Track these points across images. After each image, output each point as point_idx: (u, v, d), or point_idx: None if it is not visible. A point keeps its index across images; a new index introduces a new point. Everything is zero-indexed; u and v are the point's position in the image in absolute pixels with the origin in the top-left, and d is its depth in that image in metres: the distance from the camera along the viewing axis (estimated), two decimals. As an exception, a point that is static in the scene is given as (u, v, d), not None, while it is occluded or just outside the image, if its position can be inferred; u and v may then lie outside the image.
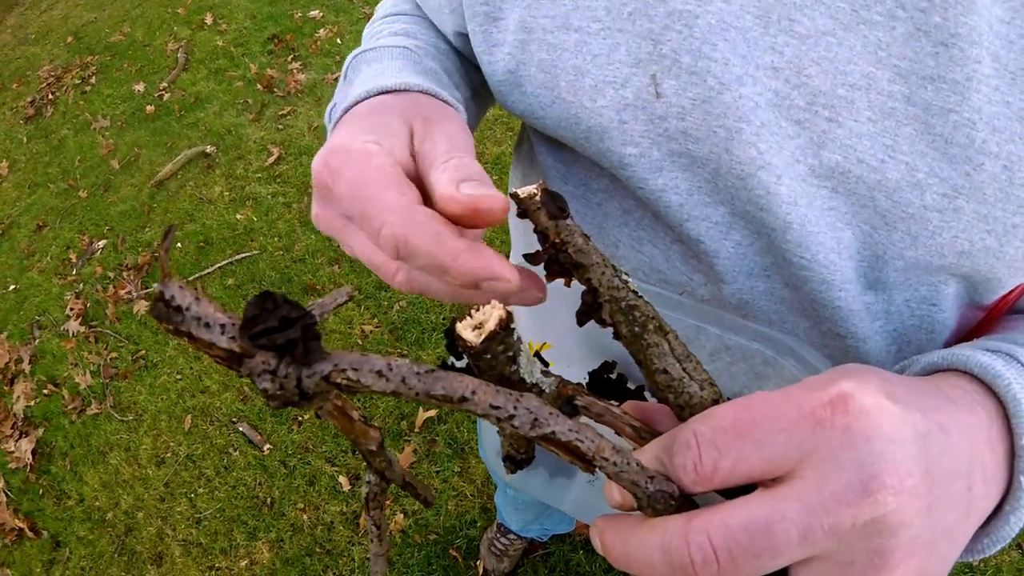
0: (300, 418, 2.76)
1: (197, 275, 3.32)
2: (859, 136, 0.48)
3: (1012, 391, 0.40)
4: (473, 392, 0.32)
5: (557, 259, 0.38)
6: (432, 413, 2.68)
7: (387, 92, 0.53)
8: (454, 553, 2.40)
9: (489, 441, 1.39)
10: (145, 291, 3.33)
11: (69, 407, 3.02)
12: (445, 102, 0.55)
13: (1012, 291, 0.56)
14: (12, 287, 3.60)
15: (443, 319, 2.93)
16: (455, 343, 0.35)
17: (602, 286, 0.38)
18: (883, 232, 0.51)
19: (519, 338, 0.36)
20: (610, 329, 0.40)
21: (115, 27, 5.08)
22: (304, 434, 2.73)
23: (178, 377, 3.01)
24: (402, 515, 2.49)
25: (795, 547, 0.32)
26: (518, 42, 0.58)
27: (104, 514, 2.73)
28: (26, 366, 3.23)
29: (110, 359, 3.14)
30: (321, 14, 4.75)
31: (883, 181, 0.48)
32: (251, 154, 3.85)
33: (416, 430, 2.66)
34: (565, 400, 0.39)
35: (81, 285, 3.46)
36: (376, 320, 2.99)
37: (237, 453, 2.74)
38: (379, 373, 0.31)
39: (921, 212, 0.48)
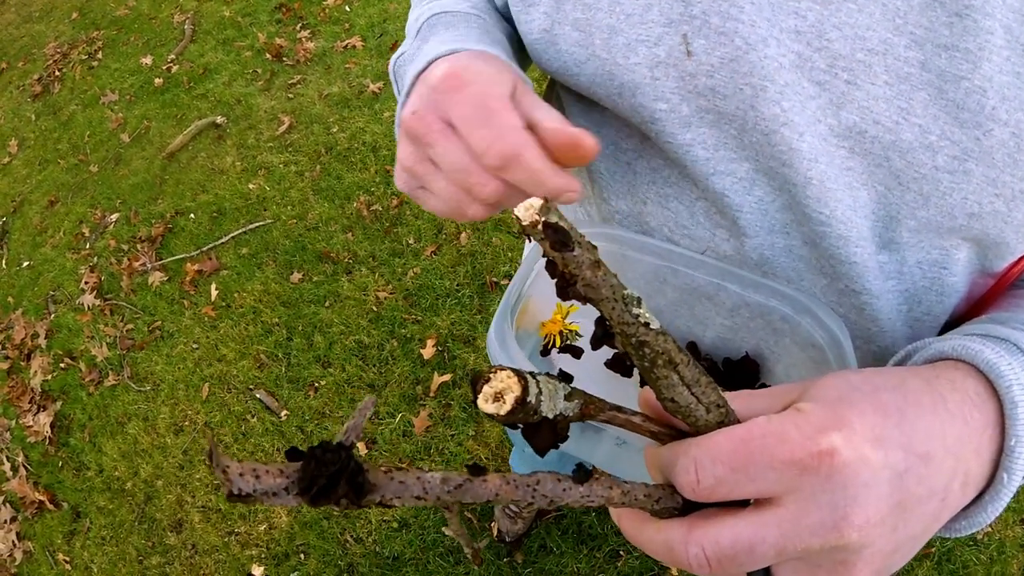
0: (317, 384, 2.79)
1: (211, 245, 3.34)
2: (876, 99, 0.51)
3: (1012, 394, 0.43)
4: (496, 494, 0.36)
5: (566, 288, 0.39)
6: (447, 378, 2.69)
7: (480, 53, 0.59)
8: (468, 515, 2.42)
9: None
10: (160, 262, 3.35)
11: (87, 379, 3.06)
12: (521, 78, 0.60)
13: (1021, 259, 0.59)
14: (26, 263, 3.64)
15: (456, 285, 2.94)
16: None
17: (612, 320, 0.39)
18: (897, 192, 0.54)
19: (539, 392, 0.39)
20: None
21: (120, 1, 5.08)
22: (321, 400, 2.75)
23: (195, 346, 3.04)
24: (420, 477, 2.51)
25: (771, 560, 0.38)
26: (553, 1, 0.62)
27: (123, 484, 2.77)
28: (42, 341, 3.26)
29: (126, 331, 3.17)
30: (329, -19, 4.74)
31: (897, 142, 0.51)
32: (262, 124, 3.86)
33: (431, 395, 2.67)
34: (576, 470, 0.40)
35: (95, 259, 3.49)
36: (391, 287, 3.00)
37: (255, 420, 2.77)
38: (417, 497, 0.35)
39: (933, 173, 0.51)
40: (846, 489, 0.37)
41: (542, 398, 0.40)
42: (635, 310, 0.38)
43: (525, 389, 0.38)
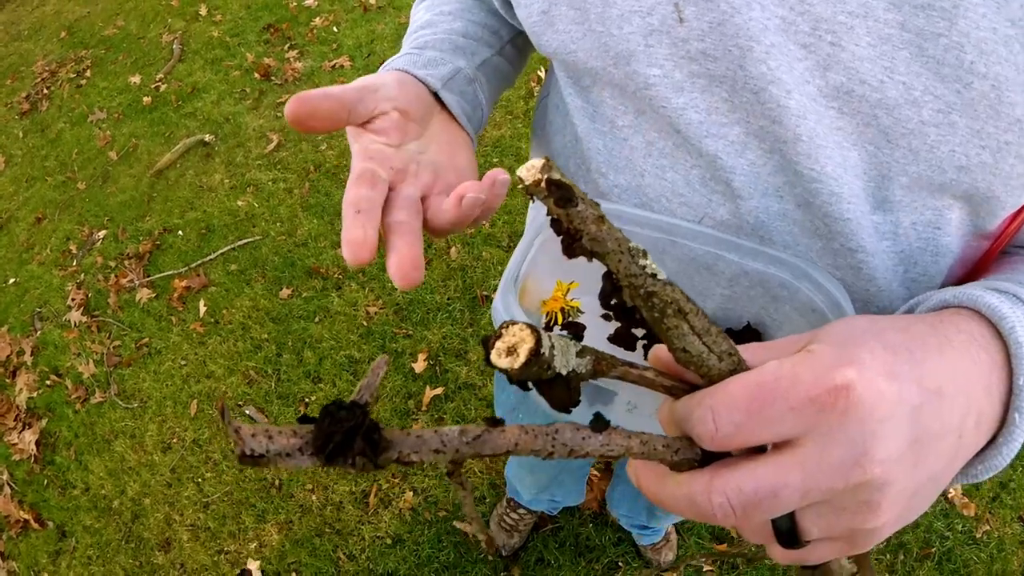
0: (307, 400, 2.71)
1: (199, 262, 3.26)
2: (860, 59, 0.52)
3: (1016, 334, 0.44)
4: (516, 444, 0.36)
5: (572, 245, 0.38)
6: (439, 391, 2.63)
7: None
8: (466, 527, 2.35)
9: (504, 400, 1.34)
10: (147, 279, 3.27)
11: (73, 396, 2.97)
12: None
13: (1011, 222, 0.60)
14: (12, 280, 3.54)
15: (447, 299, 2.88)
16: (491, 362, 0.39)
17: (619, 273, 0.38)
18: (887, 150, 0.55)
19: (551, 346, 0.38)
20: None
21: (108, 21, 5.02)
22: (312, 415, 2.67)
23: (183, 363, 2.95)
24: (411, 493, 2.45)
25: (796, 503, 0.38)
26: None
27: (110, 502, 2.68)
28: (28, 358, 3.17)
29: (113, 347, 3.08)
30: (316, 3, 4.70)
31: (884, 99, 0.52)
32: (250, 142, 3.80)
33: (423, 409, 2.61)
34: (594, 418, 0.40)
35: (82, 275, 3.39)
36: (380, 301, 2.93)
37: (244, 436, 2.68)
38: (436, 450, 0.34)
39: (919, 127, 0.52)
40: (863, 424, 0.36)
41: (555, 352, 0.39)
42: (641, 261, 0.38)
43: (538, 341, 0.37)
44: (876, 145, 0.55)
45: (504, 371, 0.38)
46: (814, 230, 0.62)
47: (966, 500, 2.31)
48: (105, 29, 4.95)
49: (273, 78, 4.16)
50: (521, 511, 2.23)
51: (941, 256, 0.62)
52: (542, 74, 3.76)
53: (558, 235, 0.38)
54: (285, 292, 3.06)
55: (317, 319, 2.95)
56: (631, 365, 0.44)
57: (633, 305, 0.40)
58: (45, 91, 4.61)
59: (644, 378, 0.44)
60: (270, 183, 3.54)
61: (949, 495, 2.32)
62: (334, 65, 4.14)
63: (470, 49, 0.78)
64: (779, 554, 0.43)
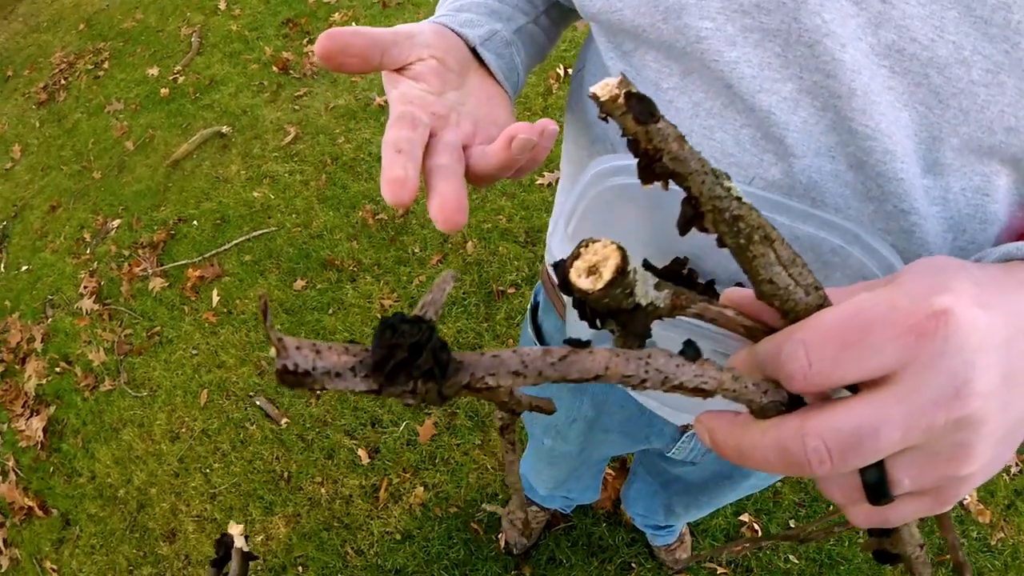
0: (318, 392, 2.62)
1: (213, 252, 3.20)
2: (911, 17, 0.51)
3: None
4: (606, 368, 0.32)
5: (652, 166, 0.35)
6: (454, 385, 2.54)
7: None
8: (475, 527, 2.29)
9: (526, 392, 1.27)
10: (161, 268, 3.20)
11: (82, 384, 2.90)
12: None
13: None
14: (25, 268, 3.49)
15: (462, 293, 2.81)
16: (569, 287, 0.35)
17: (703, 195, 0.35)
18: (937, 111, 0.53)
19: (635, 269, 0.36)
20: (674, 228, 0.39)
21: (127, 14, 4.98)
22: (323, 407, 2.60)
23: (194, 352, 2.88)
24: (422, 488, 2.37)
25: (896, 444, 0.35)
26: None
27: (116, 491, 2.61)
28: (38, 345, 3.11)
29: (124, 336, 3.01)
30: (336, -1, 4.65)
31: (934, 58, 0.51)
32: (267, 134, 3.73)
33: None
34: (686, 344, 0.37)
35: (95, 264, 3.33)
36: (396, 295, 2.86)
37: (254, 427, 2.61)
38: (516, 373, 0.31)
39: (969, 87, 0.51)
40: (962, 353, 0.34)
41: (637, 277, 0.36)
42: (726, 183, 0.35)
43: (624, 258, 0.34)
44: (927, 105, 0.54)
45: (584, 294, 0.34)
46: (866, 192, 0.60)
47: (981, 507, 2.26)
48: (124, 22, 4.91)
49: (291, 71, 4.10)
50: (534, 508, 2.17)
51: (989, 224, 0.61)
52: (560, 71, 3.70)
53: (635, 156, 0.35)
54: (299, 283, 2.99)
55: (331, 311, 2.88)
56: (709, 302, 0.40)
57: (716, 231, 0.36)
58: (63, 82, 4.56)
59: (723, 316, 0.41)
60: (286, 175, 3.48)
61: (965, 501, 2.26)
62: (353, 60, 4.07)
63: (506, 14, 0.75)
64: (861, 515, 0.40)
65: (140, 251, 3.31)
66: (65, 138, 4.14)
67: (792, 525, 2.25)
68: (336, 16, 4.44)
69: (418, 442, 2.47)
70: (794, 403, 0.38)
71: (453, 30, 0.66)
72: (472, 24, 0.69)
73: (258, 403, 2.66)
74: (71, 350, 3.05)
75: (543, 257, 1.40)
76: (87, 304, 3.16)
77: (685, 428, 1.04)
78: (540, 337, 1.15)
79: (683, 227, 0.38)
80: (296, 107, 3.86)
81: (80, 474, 2.68)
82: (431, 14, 0.75)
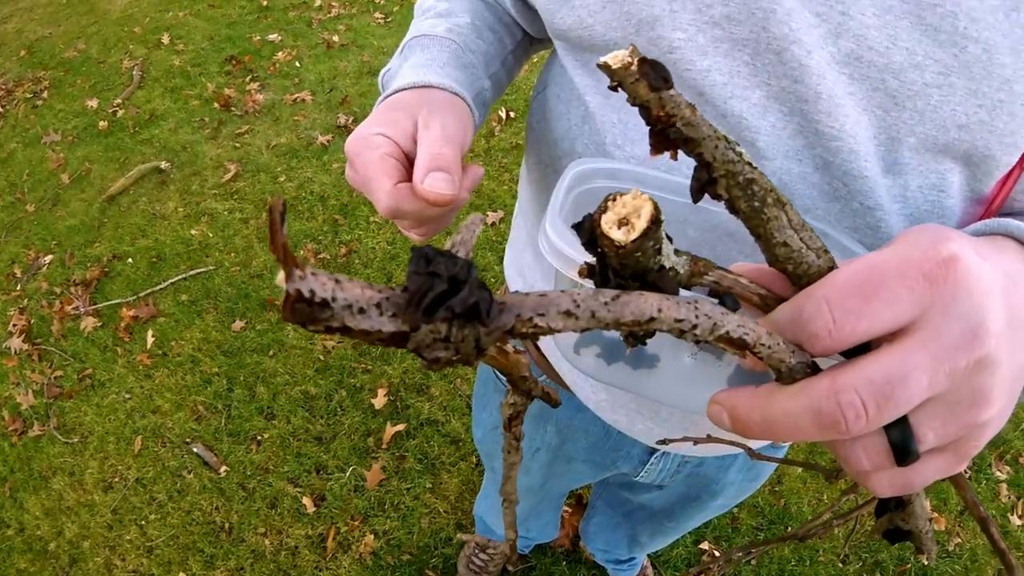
0: (259, 437, 2.46)
1: (149, 291, 3.00)
2: (867, 28, 0.54)
3: None
4: (659, 310, 0.30)
5: (664, 133, 0.33)
6: (401, 428, 2.41)
7: (427, 87, 0.64)
8: (430, 573, 2.15)
9: (485, 419, 1.19)
10: (93, 307, 2.99)
11: (9, 429, 2.65)
12: (461, 97, 0.66)
13: (1002, 186, 0.61)
14: (-49, 303, 3.23)
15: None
16: (596, 241, 0.32)
17: (716, 160, 0.34)
18: (894, 113, 0.56)
19: (663, 224, 0.33)
20: None
21: (69, 43, 4.72)
22: (264, 454, 2.42)
23: (127, 396, 2.68)
24: (372, 536, 2.21)
25: (924, 391, 0.34)
26: None
27: (46, 544, 2.37)
28: (-37, 385, 2.86)
29: (54, 378, 2.78)
30: (280, 37, 4.51)
31: (889, 64, 0.54)
32: (207, 170, 3.55)
33: (384, 447, 2.38)
34: (724, 295, 0.38)
35: (25, 301, 3.08)
36: (337, 335, 2.72)
37: (191, 476, 2.42)
38: (568, 313, 0.28)
39: (923, 89, 0.54)
40: (972, 297, 0.34)
41: (664, 233, 0.34)
42: (738, 148, 0.34)
43: (658, 208, 0.31)
44: (884, 108, 0.56)
45: (615, 247, 0.32)
46: (832, 192, 0.62)
47: (935, 515, 2.30)
48: (66, 51, 4.65)
49: (233, 109, 3.93)
50: (490, 551, 2.07)
51: (946, 219, 0.63)
52: (503, 114, 3.63)
53: (648, 124, 0.33)
54: (238, 324, 2.82)
55: (271, 353, 2.71)
56: (726, 270, 0.40)
57: (729, 197, 0.35)
58: (0, 110, 4.31)
59: (739, 284, 0.40)
60: (226, 213, 3.30)
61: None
62: (295, 99, 3.93)
63: (486, 57, 0.77)
64: (885, 481, 0.39)
65: (72, 288, 3.08)
66: (-1, 168, 3.89)
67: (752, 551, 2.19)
68: (280, 55, 4.30)
69: (366, 488, 2.31)
70: (815, 369, 0.37)
71: (465, 99, 0.67)
72: (472, 76, 0.71)
73: (195, 450, 2.46)
74: (-2, 392, 2.81)
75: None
76: (16, 343, 2.92)
77: (655, 449, 1.01)
78: None
79: (696, 194, 0.37)
80: (237, 144, 3.69)
81: (8, 525, 2.43)
82: (375, 56, 0.76)
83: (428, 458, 2.36)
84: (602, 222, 0.32)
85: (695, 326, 0.31)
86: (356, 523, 2.26)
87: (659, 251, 0.33)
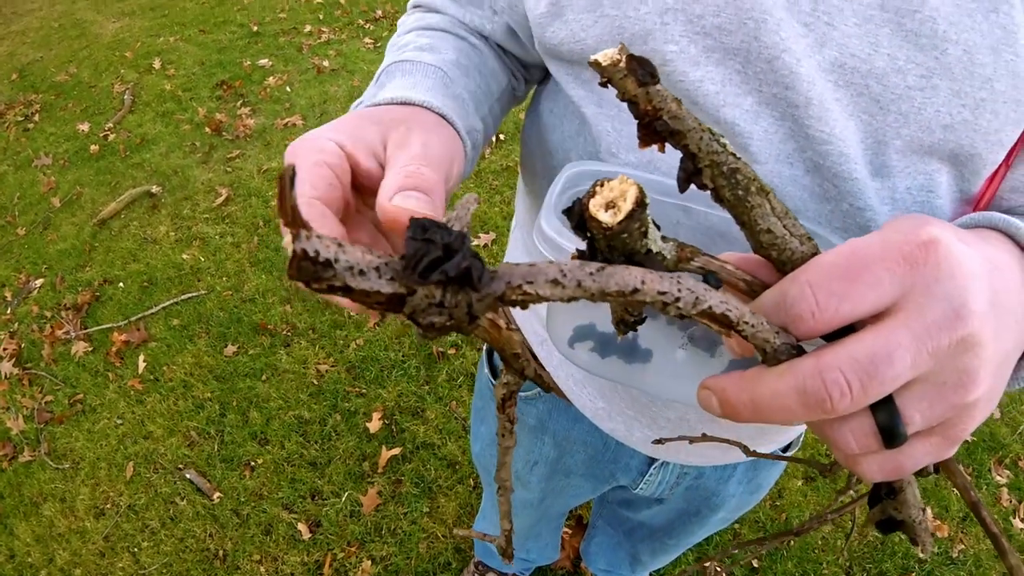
0: (253, 463, 2.43)
1: (140, 315, 2.97)
2: (849, 36, 0.55)
3: None
4: (642, 282, 0.31)
5: (652, 126, 0.35)
6: (396, 451, 2.39)
7: (409, 104, 0.58)
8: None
9: (484, 432, 1.18)
10: (84, 331, 2.96)
11: (0, 454, 2.63)
12: (451, 123, 0.59)
13: (988, 185, 0.62)
14: (-61, 327, 3.18)
15: (402, 356, 2.67)
16: (585, 224, 0.33)
17: (701, 151, 0.36)
18: (880, 117, 0.57)
19: (649, 204, 0.34)
20: None
21: (61, 67, 4.72)
22: (258, 480, 2.39)
23: (119, 422, 2.64)
24: (369, 562, 2.18)
25: (908, 370, 0.35)
26: None
27: (37, 571, 2.32)
28: (-48, 410, 2.82)
29: (45, 402, 2.75)
30: (270, 63, 4.52)
31: (873, 70, 0.55)
32: (198, 195, 3.54)
33: (380, 471, 2.36)
34: (707, 274, 0.39)
35: (16, 325, 3.05)
36: (332, 359, 2.70)
37: (184, 502, 2.38)
38: (555, 282, 0.30)
39: (906, 92, 0.56)
40: (954, 278, 0.35)
41: (651, 218, 0.34)
42: (722, 140, 0.36)
43: (642, 191, 0.32)
44: (870, 113, 0.57)
45: (603, 229, 0.32)
46: (823, 194, 0.62)
47: (938, 522, 2.30)
48: (57, 75, 4.64)
49: (224, 133, 3.93)
50: (490, 575, 2.05)
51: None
52: (492, 138, 3.63)
53: (635, 118, 0.35)
54: (230, 349, 2.79)
55: (264, 377, 2.69)
56: (712, 256, 0.41)
57: (714, 187, 0.37)
58: (-10, 134, 4.28)
59: (725, 270, 0.41)
60: (217, 237, 3.28)
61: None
62: (286, 123, 3.93)
63: (475, 101, 0.72)
64: (875, 466, 0.39)
65: (63, 313, 3.05)
66: (-11, 192, 3.85)
67: (755, 565, 2.22)
68: (271, 80, 4.31)
69: (362, 513, 2.28)
70: (799, 352, 0.37)
71: (459, 131, 0.61)
72: (461, 115, 0.65)
73: (188, 476, 2.43)
74: (-12, 417, 2.77)
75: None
76: (6, 367, 2.88)
77: (653, 460, 1.00)
78: (496, 378, 1.10)
79: (683, 183, 0.38)
80: (228, 169, 3.68)
81: (-4, 552, 2.41)
82: (365, 81, 0.75)
83: (425, 482, 2.34)
84: (590, 205, 0.33)
85: (678, 299, 0.32)
86: (353, 549, 2.23)
87: (645, 234, 0.34)
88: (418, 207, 0.42)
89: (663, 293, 0.32)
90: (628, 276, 0.31)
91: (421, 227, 0.27)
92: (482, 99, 0.73)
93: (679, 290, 0.32)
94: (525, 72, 0.82)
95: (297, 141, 0.47)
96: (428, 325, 0.28)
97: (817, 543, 2.23)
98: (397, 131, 0.50)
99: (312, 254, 0.24)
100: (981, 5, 0.53)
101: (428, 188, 0.44)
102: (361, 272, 0.25)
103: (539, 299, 0.29)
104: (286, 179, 0.24)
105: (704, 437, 0.73)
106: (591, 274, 0.30)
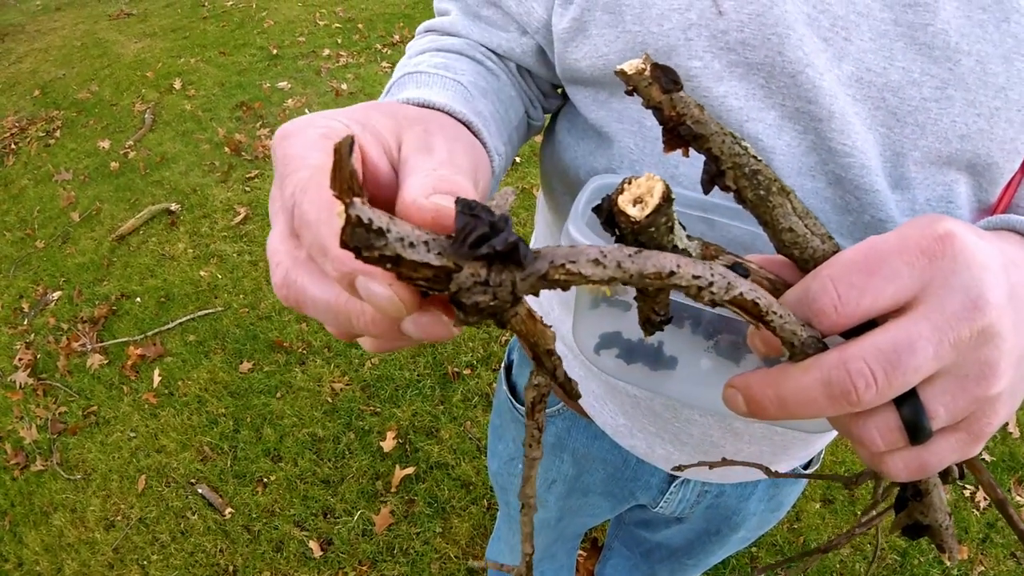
0: (266, 480, 2.42)
1: (156, 330, 2.98)
2: (865, 51, 0.56)
3: None
4: (678, 266, 0.32)
5: (676, 131, 0.36)
6: (410, 471, 2.38)
7: (428, 107, 0.54)
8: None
9: (501, 450, 1.17)
10: (100, 344, 2.96)
11: (11, 462, 2.61)
12: (475, 132, 0.56)
13: (1005, 192, 0.62)
14: (-44, 336, 3.18)
15: (416, 376, 2.66)
16: (614, 220, 0.34)
17: (724, 154, 0.37)
18: (897, 129, 0.58)
19: (675, 200, 0.35)
20: None
21: (83, 84, 4.77)
22: (270, 496, 2.38)
23: (132, 435, 2.64)
24: (379, 582, 2.16)
25: (931, 361, 0.35)
26: None
27: (44, 581, 2.31)
28: (-35, 419, 2.81)
29: (59, 413, 2.74)
30: (289, 85, 4.56)
31: (888, 83, 0.56)
32: (217, 213, 3.56)
33: (393, 490, 2.34)
34: (735, 265, 0.39)
35: (32, 335, 3.06)
36: (347, 378, 2.69)
37: (196, 517, 2.37)
38: (595, 261, 0.30)
39: (923, 104, 0.56)
40: (971, 269, 0.36)
41: (676, 218, 0.35)
42: (743, 143, 0.36)
43: (668, 187, 0.33)
44: (887, 126, 0.58)
45: (631, 223, 0.33)
46: (845, 206, 0.63)
47: (957, 544, 2.19)
48: (79, 92, 4.69)
49: (243, 153, 3.95)
50: None
51: None
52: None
53: (660, 124, 0.36)
54: (246, 366, 2.79)
55: (279, 394, 2.68)
56: (736, 255, 0.42)
57: (736, 188, 0.38)
58: (12, 147, 4.29)
59: (749, 268, 0.42)
60: (235, 255, 3.30)
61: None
62: (305, 145, 3.96)
63: (496, 124, 0.68)
64: (900, 463, 0.39)
65: (80, 325, 3.06)
66: (10, 204, 3.85)
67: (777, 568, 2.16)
68: (289, 102, 4.34)
69: (374, 532, 2.26)
70: (824, 346, 0.38)
71: (471, 127, 0.57)
72: (485, 128, 0.60)
73: (200, 491, 2.42)
74: (1, 425, 2.75)
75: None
76: (21, 377, 2.88)
77: (674, 477, 0.99)
78: (515, 395, 1.09)
79: (707, 185, 0.38)
80: (247, 188, 3.70)
81: (6, 559, 2.37)
82: None
83: (438, 502, 2.33)
84: (619, 201, 0.33)
85: (711, 283, 0.33)
86: (364, 568, 2.21)
87: (671, 229, 0.35)
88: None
89: (697, 277, 0.33)
90: (664, 259, 0.32)
91: (468, 205, 0.27)
92: (502, 125, 0.68)
93: (712, 275, 0.33)
94: (544, 100, 0.80)
95: (298, 121, 0.39)
96: (472, 305, 0.28)
97: (835, 566, 2.21)
98: (413, 131, 0.42)
99: (366, 221, 0.25)
100: (992, 15, 0.54)
101: (462, 192, 0.35)
102: (411, 244, 0.26)
103: (581, 279, 0.30)
104: (344, 148, 0.24)
105: (724, 461, 0.72)
106: (630, 256, 0.31)
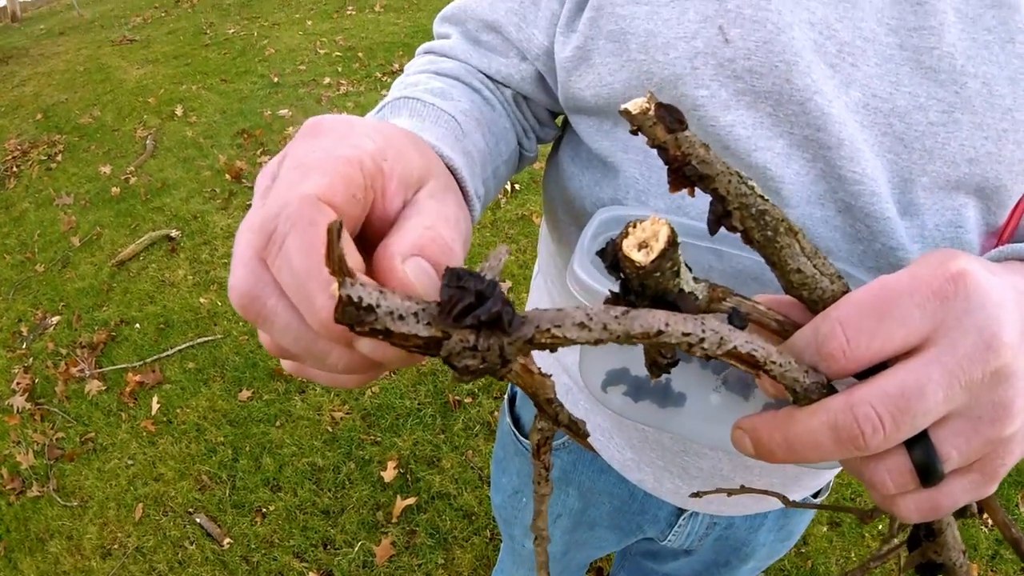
0: (264, 510, 2.40)
1: (155, 357, 2.96)
2: (871, 77, 0.56)
3: None
4: (666, 324, 0.32)
5: (681, 171, 0.35)
6: (411, 501, 2.35)
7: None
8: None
9: (506, 483, 1.15)
10: (99, 370, 2.94)
11: (8, 487, 2.58)
12: (460, 181, 0.54)
13: (1012, 214, 0.61)
14: (-47, 360, 3.15)
15: (417, 404, 2.64)
16: (619, 264, 0.34)
17: (730, 194, 0.36)
18: (905, 155, 0.57)
19: (681, 245, 0.35)
20: None
21: (85, 109, 4.78)
22: (269, 526, 2.35)
23: (130, 462, 2.61)
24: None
25: (941, 405, 0.34)
26: (588, 20, 0.64)
27: (38, 611, 2.28)
28: (-39, 443, 2.77)
29: (56, 439, 2.72)
30: (290, 113, 4.58)
31: (895, 108, 0.56)
32: (217, 240, 3.55)
33: (394, 521, 2.32)
34: (732, 314, 0.38)
35: (31, 360, 3.04)
36: (347, 407, 2.68)
37: (193, 547, 2.34)
38: (581, 325, 0.30)
39: (929, 128, 0.56)
40: (985, 308, 0.34)
41: (682, 258, 0.35)
42: (750, 182, 0.36)
43: (674, 231, 0.33)
44: (895, 152, 0.57)
45: (636, 268, 0.33)
46: (855, 234, 0.62)
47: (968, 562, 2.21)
48: (81, 117, 4.70)
49: (244, 180, 3.95)
50: None
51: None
52: (508, 186, 3.66)
53: (665, 163, 0.35)
54: (245, 394, 2.77)
55: (278, 423, 2.66)
56: (744, 296, 0.41)
57: (744, 229, 0.37)
58: (14, 169, 4.30)
59: (757, 311, 0.41)
60: (235, 282, 3.28)
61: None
62: (306, 173, 3.96)
63: (482, 160, 0.67)
64: (912, 505, 0.38)
65: (78, 351, 3.04)
66: (11, 227, 3.85)
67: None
68: (290, 130, 4.35)
69: (375, 563, 2.23)
70: (830, 391, 0.37)
71: (466, 188, 0.54)
72: (471, 175, 0.57)
73: (198, 520, 2.40)
74: (-3, 451, 2.73)
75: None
76: (19, 401, 2.86)
77: (683, 510, 0.97)
78: (519, 428, 1.07)
79: (713, 226, 0.38)
80: (248, 215, 3.70)
81: (-1, 588, 2.35)
82: None
83: (440, 533, 2.30)
84: (623, 245, 0.33)
85: (702, 340, 0.33)
86: (367, 606, 2.18)
87: (677, 273, 0.35)
88: (424, 288, 0.32)
89: (687, 334, 0.32)
90: (652, 319, 0.32)
91: (456, 275, 0.28)
92: (488, 159, 0.66)
93: (703, 331, 0.33)
94: (539, 130, 0.79)
95: (335, 122, 0.37)
96: (463, 368, 0.29)
97: (838, 599, 2.19)
98: (438, 180, 0.41)
99: (356, 299, 0.26)
100: (997, 36, 0.54)
101: (449, 261, 0.35)
102: (400, 317, 0.27)
103: (567, 342, 0.30)
104: (334, 231, 0.25)
105: (743, 489, 0.71)
106: (616, 317, 0.31)
